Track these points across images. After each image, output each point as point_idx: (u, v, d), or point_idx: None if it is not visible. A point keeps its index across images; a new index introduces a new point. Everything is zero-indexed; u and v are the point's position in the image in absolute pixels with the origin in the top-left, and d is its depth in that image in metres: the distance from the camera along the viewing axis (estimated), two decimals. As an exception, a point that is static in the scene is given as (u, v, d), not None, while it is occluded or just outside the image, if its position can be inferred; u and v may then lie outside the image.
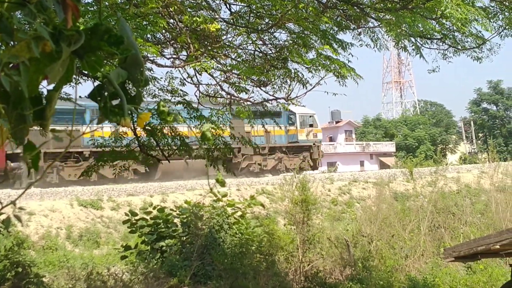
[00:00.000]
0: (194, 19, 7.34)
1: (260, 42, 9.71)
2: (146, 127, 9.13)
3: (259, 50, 9.98)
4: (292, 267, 14.70)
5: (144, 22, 7.30)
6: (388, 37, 9.96)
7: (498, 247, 7.99)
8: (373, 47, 10.50)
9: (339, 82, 9.83)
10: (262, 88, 10.28)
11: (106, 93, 1.63)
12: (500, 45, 9.94)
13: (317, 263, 14.95)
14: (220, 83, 9.94)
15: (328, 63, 9.18)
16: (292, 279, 14.45)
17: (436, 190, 20.54)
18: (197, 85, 10.16)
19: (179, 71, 9.68)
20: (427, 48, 10.00)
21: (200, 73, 9.26)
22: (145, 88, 10.50)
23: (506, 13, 9.10)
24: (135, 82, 1.67)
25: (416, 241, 17.07)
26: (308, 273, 14.52)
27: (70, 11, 1.53)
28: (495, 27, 9.31)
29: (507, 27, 9.22)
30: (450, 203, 21.07)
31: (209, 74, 9.17)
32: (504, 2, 9.02)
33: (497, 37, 9.56)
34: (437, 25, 9.31)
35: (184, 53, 9.15)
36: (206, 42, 8.41)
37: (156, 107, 1.91)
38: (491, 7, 9.21)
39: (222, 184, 2.12)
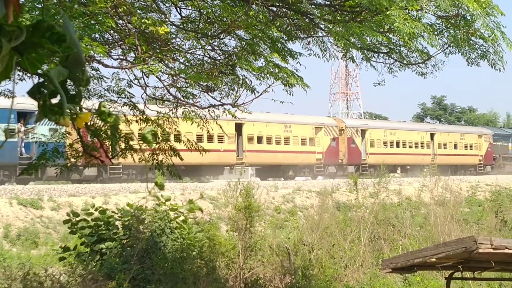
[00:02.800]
0: (143, 21, 7.31)
1: (209, 48, 9.71)
2: (91, 127, 9.03)
3: (208, 55, 9.98)
4: (232, 273, 14.69)
5: (92, 21, 7.24)
6: (337, 47, 10.07)
7: (435, 260, 8.10)
8: (322, 57, 10.60)
9: (287, 91, 9.92)
10: (209, 93, 10.29)
11: (45, 91, 1.61)
12: (444, 61, 10.15)
13: (258, 270, 14.97)
14: (167, 86, 9.90)
15: (277, 71, 9.24)
16: (232, 285, 14.44)
17: (378, 201, 20.77)
18: (144, 88, 10.11)
19: (126, 72, 9.62)
20: (373, 61, 10.14)
21: (147, 75, 9.24)
22: (91, 88, 10.42)
23: (451, 31, 9.28)
24: (76, 81, 1.65)
25: (356, 251, 17.24)
26: (248, 280, 14.54)
27: (11, 6, 1.51)
28: (440, 43, 9.49)
29: (451, 45, 9.40)
30: (390, 215, 21.33)
31: (157, 77, 9.14)
32: (450, 20, 9.19)
33: (441, 54, 9.75)
34: (384, 39, 9.45)
35: (132, 54, 9.11)
36: (154, 45, 8.38)
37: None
38: (437, 24, 9.39)
39: (161, 187, 2.11)
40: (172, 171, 10.91)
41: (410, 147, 58.53)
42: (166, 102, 11.07)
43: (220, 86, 10.24)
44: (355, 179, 23.05)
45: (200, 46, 9.41)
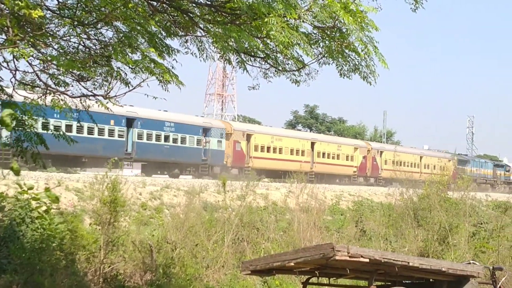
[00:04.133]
0: (16, 2, 7.07)
1: (85, 36, 9.51)
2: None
3: (83, 44, 9.78)
4: (92, 267, 14.45)
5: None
6: (215, 48, 10.10)
7: (293, 264, 8.27)
8: (199, 57, 10.60)
9: (162, 87, 9.86)
10: (81, 83, 10.07)
11: None
12: (318, 71, 10.34)
13: (119, 266, 14.80)
14: (38, 72, 9.61)
15: (153, 66, 9.17)
16: (91, 279, 14.21)
17: (244, 204, 20.98)
18: (14, 72, 9.77)
19: (-5, 54, 9.26)
20: (250, 65, 10.22)
21: (17, 59, 8.93)
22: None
23: (327, 42, 9.49)
24: None
25: (219, 252, 17.35)
26: (108, 275, 14.34)
27: None
28: (315, 53, 9.68)
29: (325, 55, 9.61)
30: (256, 218, 21.60)
31: (27, 61, 8.85)
32: (326, 31, 9.40)
33: (316, 64, 9.94)
34: (261, 44, 9.55)
35: (3, 36, 8.78)
36: (27, 28, 8.12)
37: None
38: (314, 34, 9.58)
39: (17, 172, 2.06)
40: (36, 159, 10.62)
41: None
42: (36, 88, 10.76)
43: (94, 76, 10.05)
44: (224, 180, 23.19)
45: (75, 34, 9.21)
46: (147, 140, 47.56)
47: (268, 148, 58.32)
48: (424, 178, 26.60)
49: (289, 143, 60.29)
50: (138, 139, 46.66)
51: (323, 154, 64.44)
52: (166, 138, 49.07)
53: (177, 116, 51.77)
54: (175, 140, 49.90)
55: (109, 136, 44.00)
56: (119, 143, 44.80)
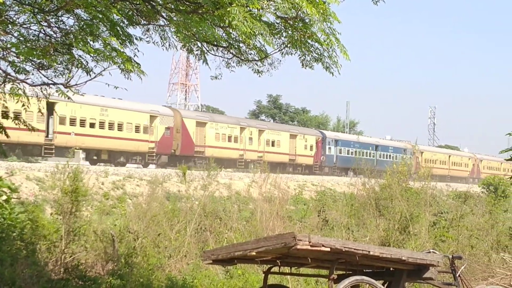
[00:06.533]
0: (-26, -12, 6.97)
1: (46, 24, 9.41)
2: None
3: (43, 32, 9.67)
4: (53, 257, 14.33)
5: None
6: (177, 37, 10.05)
7: (254, 253, 8.30)
8: (162, 46, 10.55)
9: (124, 76, 9.79)
10: (42, 71, 9.96)
11: None
12: (280, 61, 10.35)
13: (80, 256, 14.70)
14: (-3, 59, 9.48)
15: (114, 55, 9.10)
16: (51, 269, 14.10)
17: (207, 194, 20.97)
18: (-28, 59, 9.63)
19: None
20: (212, 54, 10.20)
21: (-24, 46, 8.81)
22: None
23: (289, 32, 9.51)
24: None
25: (181, 241, 17.33)
26: (69, 264, 14.23)
27: None
28: (278, 43, 9.71)
29: (288, 45, 9.64)
30: (219, 208, 21.61)
31: (-14, 48, 8.73)
32: (288, 21, 9.42)
33: (278, 54, 9.97)
34: (224, 34, 9.54)
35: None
36: (-14, 15, 8.01)
37: None
38: (276, 24, 9.59)
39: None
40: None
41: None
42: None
43: (55, 64, 9.94)
44: (184, 170, 23.14)
45: (35, 22, 9.10)
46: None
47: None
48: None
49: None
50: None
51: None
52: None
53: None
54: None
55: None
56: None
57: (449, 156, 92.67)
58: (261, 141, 63.03)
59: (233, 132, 59.82)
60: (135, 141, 50.45)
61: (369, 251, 8.69)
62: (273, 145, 64.75)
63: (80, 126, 46.56)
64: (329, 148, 71.97)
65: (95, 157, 49.24)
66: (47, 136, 44.59)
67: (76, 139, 45.27)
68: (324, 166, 70.99)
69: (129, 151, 50.64)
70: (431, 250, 10.40)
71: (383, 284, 9.57)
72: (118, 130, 49.22)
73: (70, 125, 46.05)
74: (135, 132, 50.68)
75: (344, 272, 9.38)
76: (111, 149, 49.44)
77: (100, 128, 47.98)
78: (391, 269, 9.66)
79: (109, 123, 48.63)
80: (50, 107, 41.83)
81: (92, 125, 47.49)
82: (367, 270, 9.63)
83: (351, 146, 75.15)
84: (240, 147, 60.23)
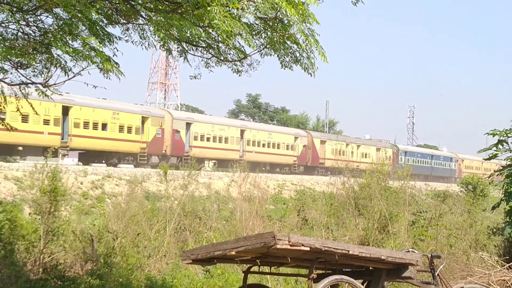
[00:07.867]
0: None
1: (24, 23, 9.35)
2: None
3: (22, 31, 9.61)
4: (32, 257, 14.26)
5: None
6: (157, 37, 10.03)
7: (234, 253, 8.30)
8: (141, 45, 10.51)
9: (103, 75, 9.75)
10: (20, 70, 9.91)
11: None
12: (259, 61, 10.35)
13: (59, 256, 14.63)
14: (-25, 58, 9.41)
15: (93, 54, 9.06)
16: (30, 269, 14.03)
17: (186, 193, 20.91)
18: (-50, 58, 9.55)
19: None
20: (191, 54, 10.19)
21: (-46, 45, 8.75)
22: None
23: (269, 33, 9.52)
24: None
25: (161, 241, 17.28)
26: (48, 264, 14.16)
27: None
28: (257, 44, 9.70)
29: (267, 46, 9.64)
30: (198, 208, 21.56)
31: (-36, 48, 8.67)
32: (268, 22, 9.43)
33: (257, 54, 9.96)
34: (204, 33, 9.53)
35: None
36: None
37: None
38: (256, 25, 9.60)
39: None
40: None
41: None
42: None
43: (33, 63, 9.89)
44: (165, 169, 23.07)
45: (14, 21, 9.05)
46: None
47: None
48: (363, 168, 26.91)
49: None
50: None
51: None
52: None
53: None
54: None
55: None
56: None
57: (482, 163, 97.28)
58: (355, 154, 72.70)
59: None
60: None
61: (348, 251, 8.73)
62: (365, 156, 74.97)
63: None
64: (401, 158, 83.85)
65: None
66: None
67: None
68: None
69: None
70: (410, 249, 10.47)
71: (362, 283, 9.60)
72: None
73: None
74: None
75: (323, 272, 9.41)
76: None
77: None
78: (371, 268, 9.70)
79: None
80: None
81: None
82: (346, 270, 9.66)
83: (415, 156, 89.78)
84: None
